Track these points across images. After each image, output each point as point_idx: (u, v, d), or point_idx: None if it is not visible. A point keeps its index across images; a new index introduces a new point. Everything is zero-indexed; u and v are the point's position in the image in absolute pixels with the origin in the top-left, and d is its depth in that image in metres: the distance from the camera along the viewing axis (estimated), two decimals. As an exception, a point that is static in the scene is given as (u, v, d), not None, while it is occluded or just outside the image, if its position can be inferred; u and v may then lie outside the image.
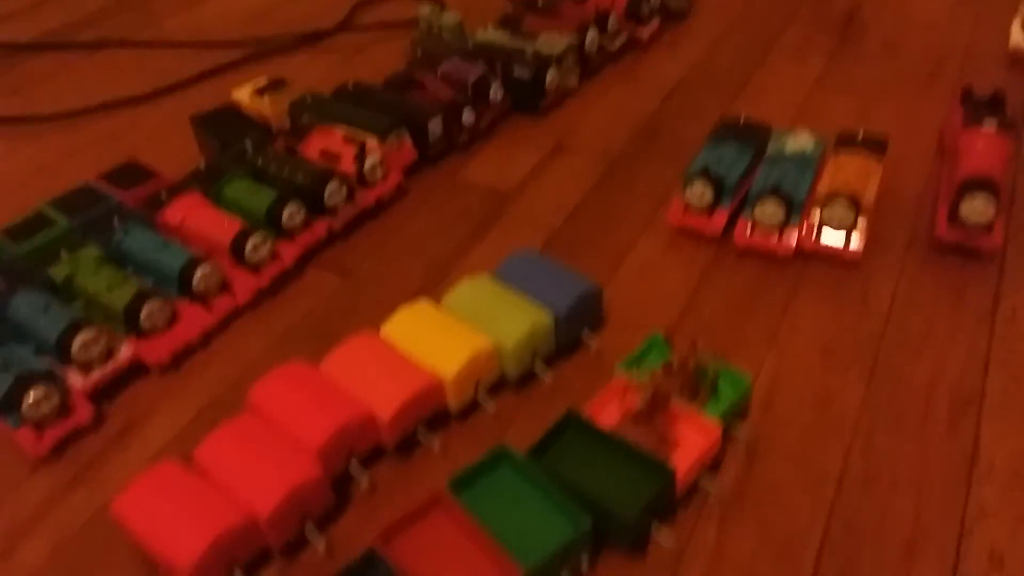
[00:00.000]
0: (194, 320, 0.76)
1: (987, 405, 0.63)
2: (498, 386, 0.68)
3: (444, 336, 0.67)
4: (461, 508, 0.55)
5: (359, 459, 0.62)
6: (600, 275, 0.78)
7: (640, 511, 0.53)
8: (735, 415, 0.62)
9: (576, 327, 0.71)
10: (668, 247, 0.82)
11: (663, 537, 0.56)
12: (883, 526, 0.56)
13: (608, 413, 0.62)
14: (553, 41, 1.05)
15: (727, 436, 0.61)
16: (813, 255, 0.78)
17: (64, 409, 0.67)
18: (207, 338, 0.76)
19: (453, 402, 0.65)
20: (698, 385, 0.62)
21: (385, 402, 0.62)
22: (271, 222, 0.81)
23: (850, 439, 0.62)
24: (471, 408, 0.66)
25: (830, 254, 0.78)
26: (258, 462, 0.58)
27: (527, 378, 0.68)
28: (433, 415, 0.65)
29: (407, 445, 0.64)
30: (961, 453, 0.60)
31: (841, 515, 0.57)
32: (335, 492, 0.60)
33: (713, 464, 0.60)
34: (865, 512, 0.57)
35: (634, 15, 1.15)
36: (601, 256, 0.82)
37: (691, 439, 0.59)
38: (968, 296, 0.73)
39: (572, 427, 0.61)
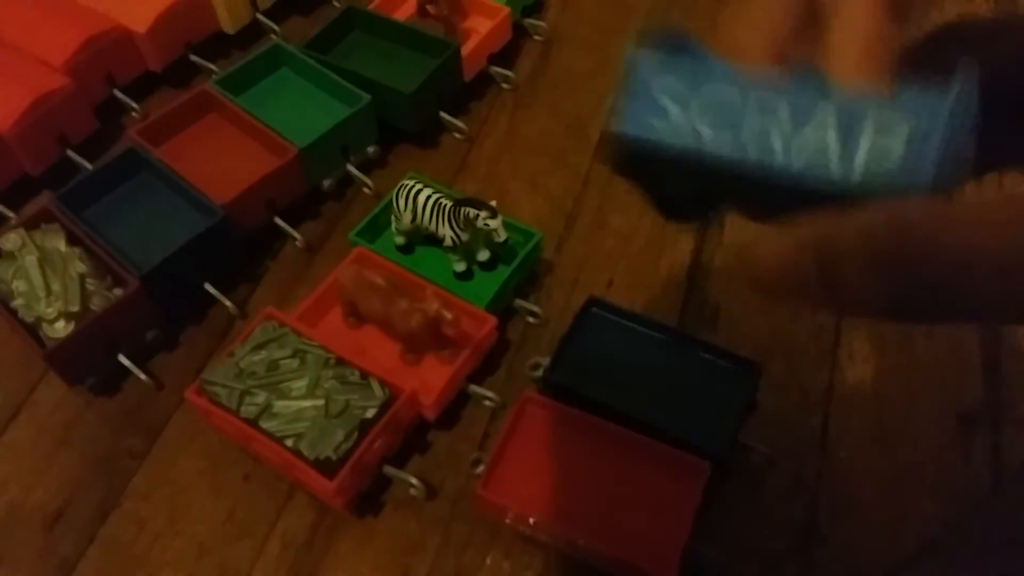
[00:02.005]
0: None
1: None
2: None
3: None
4: (231, 103, 0.51)
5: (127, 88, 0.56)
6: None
7: (420, 86, 0.51)
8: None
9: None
10: None
11: (456, 125, 0.55)
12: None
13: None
14: None
15: (524, 29, 0.59)
16: None
17: None
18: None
19: (225, 21, 0.59)
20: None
21: (140, 15, 0.55)
22: None
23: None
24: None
25: None
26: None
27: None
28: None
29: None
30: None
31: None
32: (96, 118, 0.55)
33: (509, 58, 0.59)
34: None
35: None
36: None
37: (479, 24, 0.57)
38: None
39: (357, 24, 0.57)
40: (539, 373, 0.43)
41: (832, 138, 0.18)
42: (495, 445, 0.39)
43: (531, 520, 0.37)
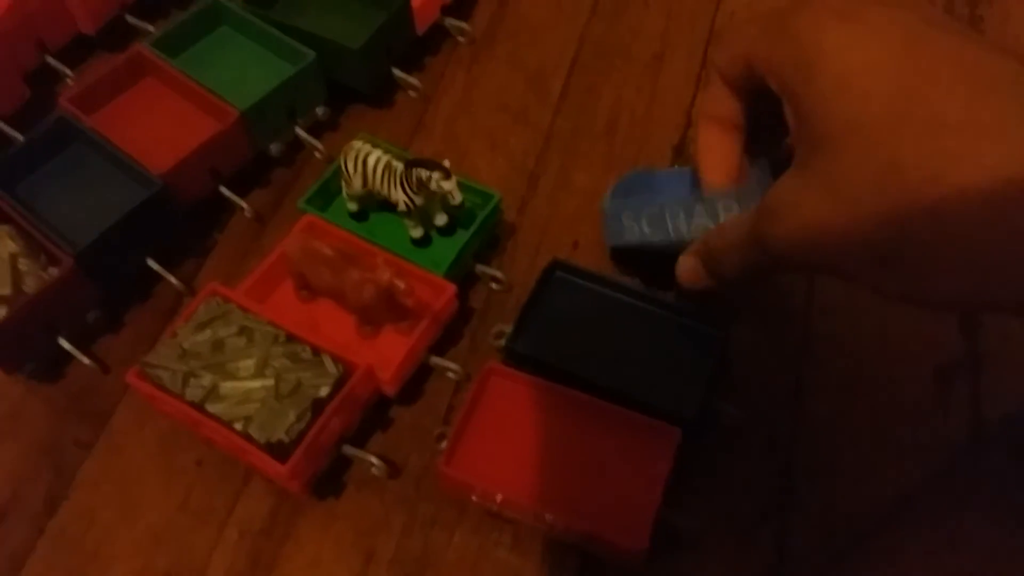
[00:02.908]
0: None
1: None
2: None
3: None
4: (168, 65, 0.48)
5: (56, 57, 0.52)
6: None
7: (368, 40, 0.48)
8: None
9: None
10: None
11: (410, 82, 0.52)
12: (632, 44, 0.54)
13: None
14: None
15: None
16: None
17: None
18: None
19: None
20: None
21: (68, -27, 0.52)
22: None
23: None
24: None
25: None
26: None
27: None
28: None
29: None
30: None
31: (592, 40, 0.55)
32: (28, 86, 0.52)
33: (464, 9, 0.56)
34: (615, 34, 0.55)
35: None
36: None
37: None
38: None
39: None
40: (503, 342, 0.41)
41: (708, 222, 0.37)
42: (458, 419, 0.38)
43: (498, 497, 0.36)
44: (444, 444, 0.37)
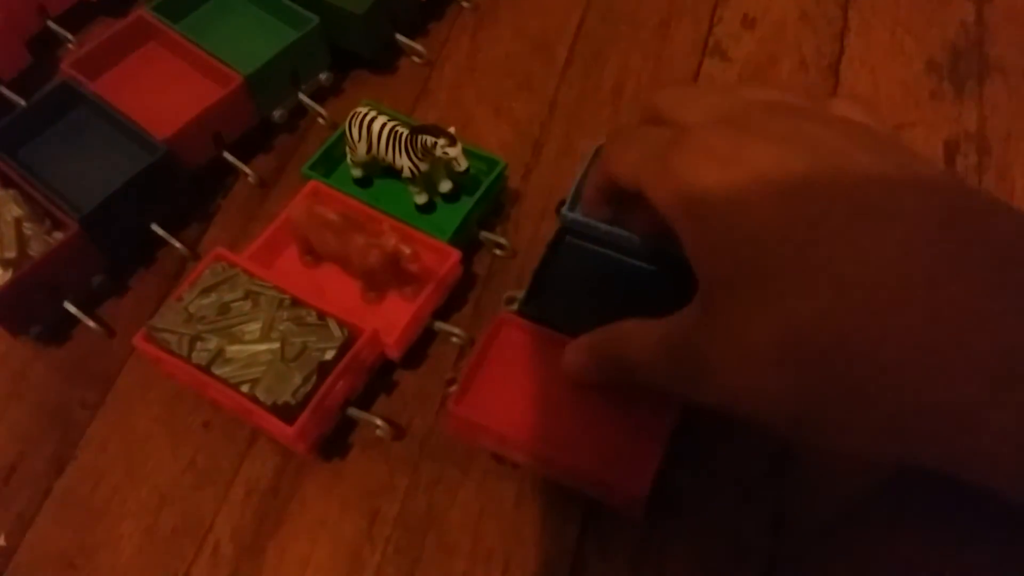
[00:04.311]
0: None
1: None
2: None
3: None
4: (171, 30, 0.48)
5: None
6: None
7: (372, 5, 0.47)
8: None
9: None
10: None
11: (414, 48, 0.51)
12: (638, 10, 0.54)
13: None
14: None
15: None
16: None
17: None
18: None
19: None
20: None
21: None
22: None
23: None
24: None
25: None
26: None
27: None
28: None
29: None
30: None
31: (597, 6, 0.54)
32: (29, 51, 0.51)
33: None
34: (621, 0, 0.54)
35: None
36: None
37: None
38: None
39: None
40: (514, 307, 0.41)
41: None
42: (468, 364, 0.38)
43: (504, 438, 0.36)
44: (454, 388, 0.37)
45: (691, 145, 0.28)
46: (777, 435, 0.28)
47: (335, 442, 0.40)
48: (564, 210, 0.41)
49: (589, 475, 0.36)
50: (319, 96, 0.50)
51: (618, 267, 0.41)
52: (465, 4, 0.54)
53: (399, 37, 0.51)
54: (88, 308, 0.43)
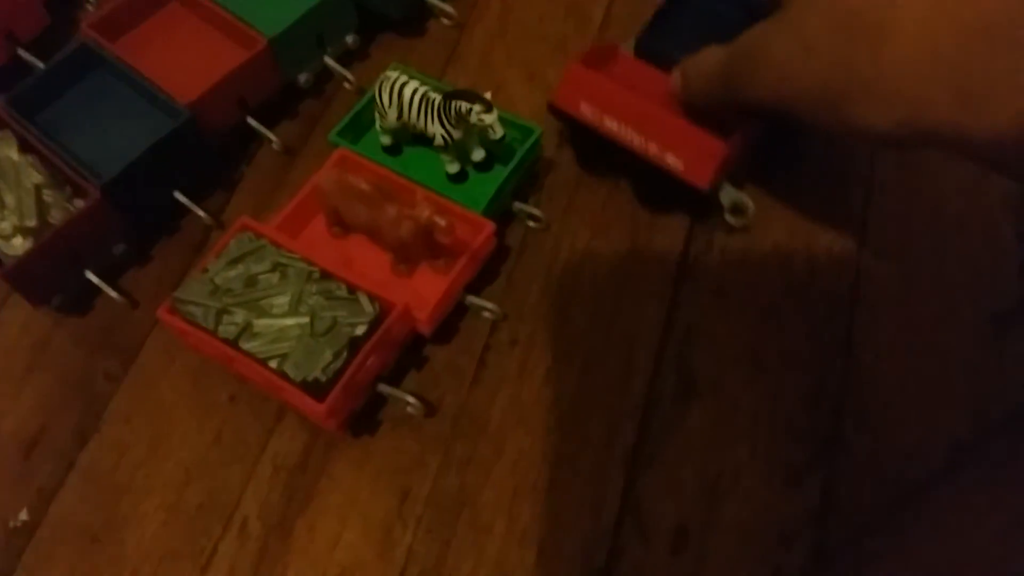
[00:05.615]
0: None
1: None
2: None
3: None
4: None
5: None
6: None
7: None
8: None
9: None
10: None
11: (444, 10, 0.49)
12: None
13: None
14: None
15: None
16: None
17: None
18: None
19: None
20: None
21: None
22: None
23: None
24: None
25: None
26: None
27: None
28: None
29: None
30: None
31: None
32: (48, 11, 0.50)
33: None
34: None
35: None
36: None
37: None
38: None
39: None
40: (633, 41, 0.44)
41: None
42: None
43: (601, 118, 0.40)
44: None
45: None
46: (805, 121, 0.34)
47: (365, 419, 0.39)
48: None
49: (665, 152, 0.39)
50: (345, 59, 0.49)
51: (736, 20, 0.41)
52: (495, -35, 0.52)
53: (428, -2, 0.50)
54: (110, 278, 0.42)
